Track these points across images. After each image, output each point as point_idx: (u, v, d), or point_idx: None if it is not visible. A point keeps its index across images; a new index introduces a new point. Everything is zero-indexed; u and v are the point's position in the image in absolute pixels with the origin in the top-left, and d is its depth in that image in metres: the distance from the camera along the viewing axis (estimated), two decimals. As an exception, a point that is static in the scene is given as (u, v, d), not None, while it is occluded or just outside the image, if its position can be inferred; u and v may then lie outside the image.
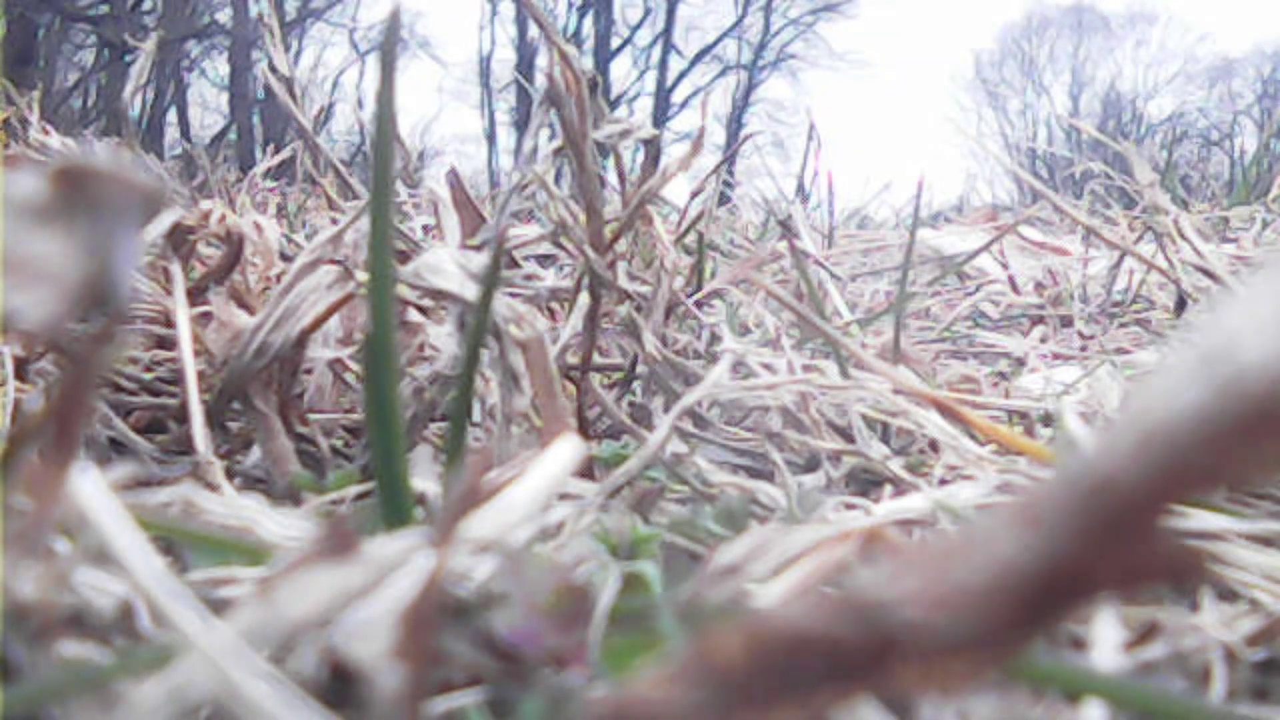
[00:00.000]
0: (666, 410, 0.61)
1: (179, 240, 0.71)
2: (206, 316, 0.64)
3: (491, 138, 15.75)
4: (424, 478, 0.38)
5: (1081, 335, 1.16)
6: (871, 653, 0.19)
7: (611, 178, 0.78)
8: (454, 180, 0.87)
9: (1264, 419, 0.16)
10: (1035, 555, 0.18)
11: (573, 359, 0.66)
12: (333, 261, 0.57)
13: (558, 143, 0.66)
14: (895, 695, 0.20)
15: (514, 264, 0.91)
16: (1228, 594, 0.36)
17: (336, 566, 0.24)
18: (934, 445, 0.57)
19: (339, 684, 0.24)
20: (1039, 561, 0.18)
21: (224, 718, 0.22)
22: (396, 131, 0.80)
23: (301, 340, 0.57)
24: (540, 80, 0.63)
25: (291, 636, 0.24)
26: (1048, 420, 0.64)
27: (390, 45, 0.35)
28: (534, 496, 0.31)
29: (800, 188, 2.16)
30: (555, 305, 0.83)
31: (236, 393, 0.55)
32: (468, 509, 0.27)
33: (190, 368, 0.53)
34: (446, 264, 0.53)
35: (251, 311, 0.65)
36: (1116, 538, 0.17)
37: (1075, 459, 0.18)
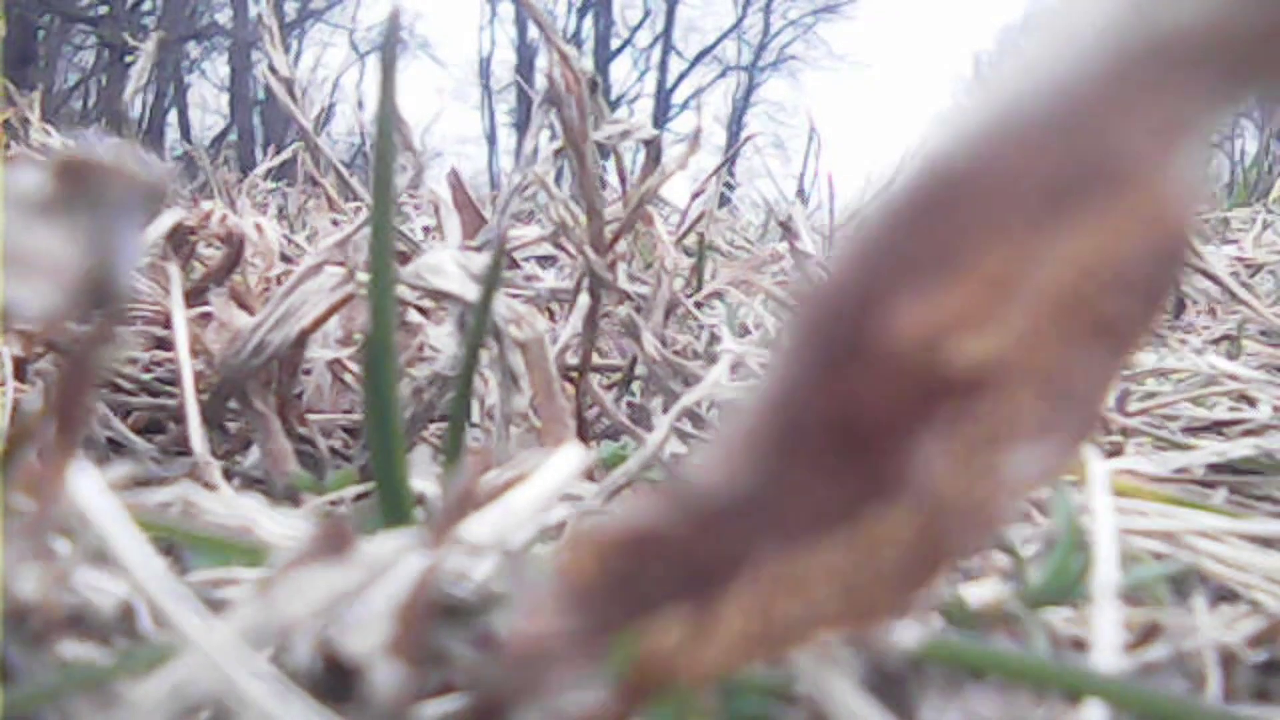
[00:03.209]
0: (665, 411, 0.61)
1: (179, 241, 0.71)
2: (206, 317, 0.64)
3: (492, 139, 15.75)
4: (423, 478, 0.38)
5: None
6: (698, 538, 0.18)
7: (612, 179, 0.78)
8: (454, 181, 0.87)
9: (949, 193, 0.15)
10: (781, 389, 0.17)
11: (572, 359, 0.66)
12: (340, 263, 0.57)
13: (558, 144, 0.66)
14: (819, 632, 0.19)
15: (514, 265, 0.91)
16: (1228, 595, 0.36)
17: (332, 566, 0.24)
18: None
19: (334, 680, 0.24)
20: (785, 393, 0.17)
21: (224, 717, 0.22)
22: (410, 141, 0.80)
23: (301, 340, 0.57)
24: (540, 81, 0.63)
25: (288, 635, 0.24)
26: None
27: (390, 46, 0.35)
28: (535, 502, 0.31)
29: (800, 189, 2.16)
30: (555, 306, 0.83)
31: (233, 391, 0.55)
32: (465, 508, 0.27)
33: (187, 368, 0.53)
34: (447, 264, 0.53)
35: (251, 312, 0.65)
36: (852, 350, 0.17)
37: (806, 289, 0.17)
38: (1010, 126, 0.15)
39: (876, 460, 0.17)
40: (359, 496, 0.47)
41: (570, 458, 0.34)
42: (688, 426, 0.60)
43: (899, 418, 0.17)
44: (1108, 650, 0.29)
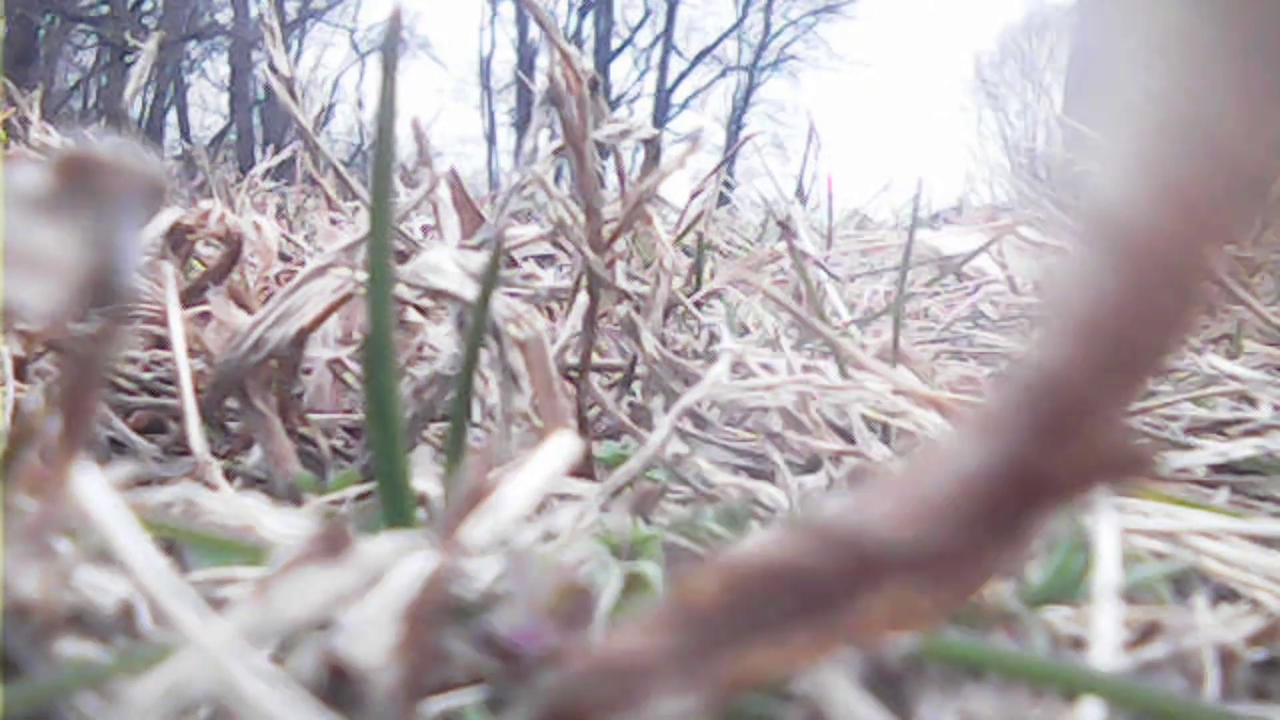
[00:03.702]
0: (666, 410, 0.61)
1: (178, 240, 0.71)
2: (206, 316, 0.64)
3: (491, 138, 15.75)
4: (424, 478, 0.38)
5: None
6: (845, 579, 0.19)
7: (611, 178, 0.78)
8: (453, 180, 0.87)
9: (1146, 263, 0.16)
10: (992, 460, 0.18)
11: (572, 359, 0.66)
12: (349, 266, 0.57)
13: (558, 143, 0.66)
14: (874, 637, 0.20)
15: (513, 264, 0.91)
16: (1228, 594, 0.36)
17: (332, 566, 0.24)
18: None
19: (337, 683, 0.24)
20: (996, 465, 0.17)
21: (222, 715, 0.22)
22: (428, 157, 0.80)
23: (300, 340, 0.57)
24: (540, 81, 0.63)
25: (288, 636, 0.24)
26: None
27: (391, 46, 0.35)
28: (530, 493, 0.31)
29: (799, 188, 2.16)
30: (554, 305, 0.83)
31: (231, 387, 0.55)
32: (471, 508, 0.27)
33: (184, 367, 0.53)
34: (446, 264, 0.53)
35: (250, 311, 0.65)
36: (1067, 433, 0.17)
37: (1023, 365, 0.18)
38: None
39: (1030, 528, 0.18)
40: (361, 496, 0.47)
41: (562, 447, 0.34)
42: (688, 426, 0.60)
43: (1073, 494, 0.18)
44: (1107, 648, 0.30)
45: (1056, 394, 0.17)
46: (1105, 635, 0.30)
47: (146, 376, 0.67)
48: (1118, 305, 0.16)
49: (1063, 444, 0.17)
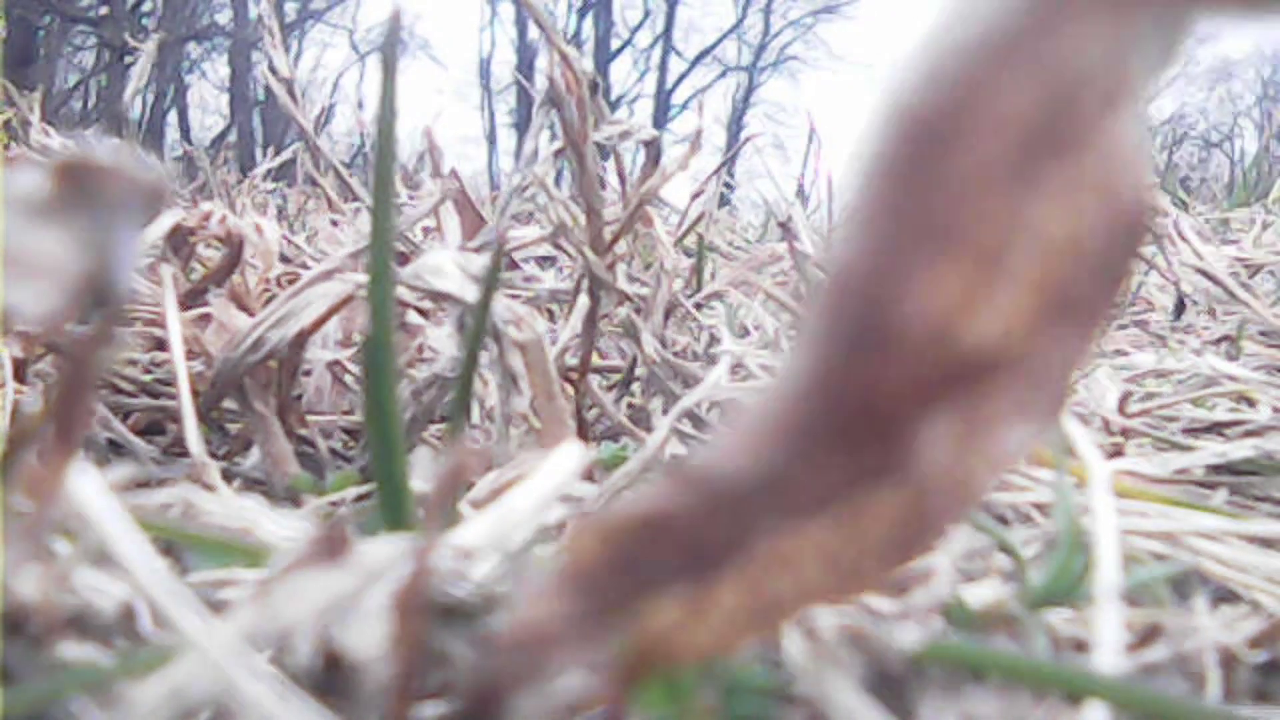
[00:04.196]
0: (665, 412, 0.61)
1: (179, 242, 0.71)
2: (206, 318, 0.64)
3: (492, 139, 15.75)
4: (423, 479, 0.38)
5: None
6: (710, 522, 0.18)
7: (611, 179, 0.78)
8: (454, 182, 0.87)
9: (927, 131, 0.15)
10: (807, 374, 0.17)
11: (572, 360, 0.66)
12: (353, 270, 0.57)
13: (558, 144, 0.66)
14: (805, 603, 0.19)
15: (514, 266, 0.91)
16: (1228, 596, 0.36)
17: (330, 569, 0.24)
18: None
19: (334, 678, 0.24)
20: (812, 379, 0.17)
21: (223, 717, 0.22)
22: (439, 165, 0.80)
23: (300, 341, 0.57)
24: (540, 82, 0.63)
25: (287, 638, 0.24)
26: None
27: (391, 47, 0.35)
28: (535, 502, 0.31)
29: (800, 189, 2.16)
30: (554, 307, 0.83)
31: (230, 386, 0.55)
32: (452, 494, 0.26)
33: (182, 369, 0.53)
34: (446, 265, 0.53)
35: (251, 313, 0.65)
36: (873, 331, 0.16)
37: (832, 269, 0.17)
38: (979, 65, 0.15)
39: (888, 443, 0.17)
40: (359, 498, 0.47)
41: (569, 456, 0.34)
42: (688, 427, 0.60)
43: (914, 399, 0.17)
44: (1108, 651, 0.29)
45: (863, 292, 0.16)
46: (1107, 637, 0.30)
47: (146, 378, 0.67)
48: (900, 176, 0.16)
49: (876, 344, 0.16)
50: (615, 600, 0.19)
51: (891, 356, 0.16)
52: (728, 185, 2.44)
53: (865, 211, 0.16)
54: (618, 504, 0.19)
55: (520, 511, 0.30)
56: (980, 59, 0.15)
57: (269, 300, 0.68)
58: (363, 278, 0.56)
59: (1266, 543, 0.39)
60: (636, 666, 0.20)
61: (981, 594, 0.33)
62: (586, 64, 0.64)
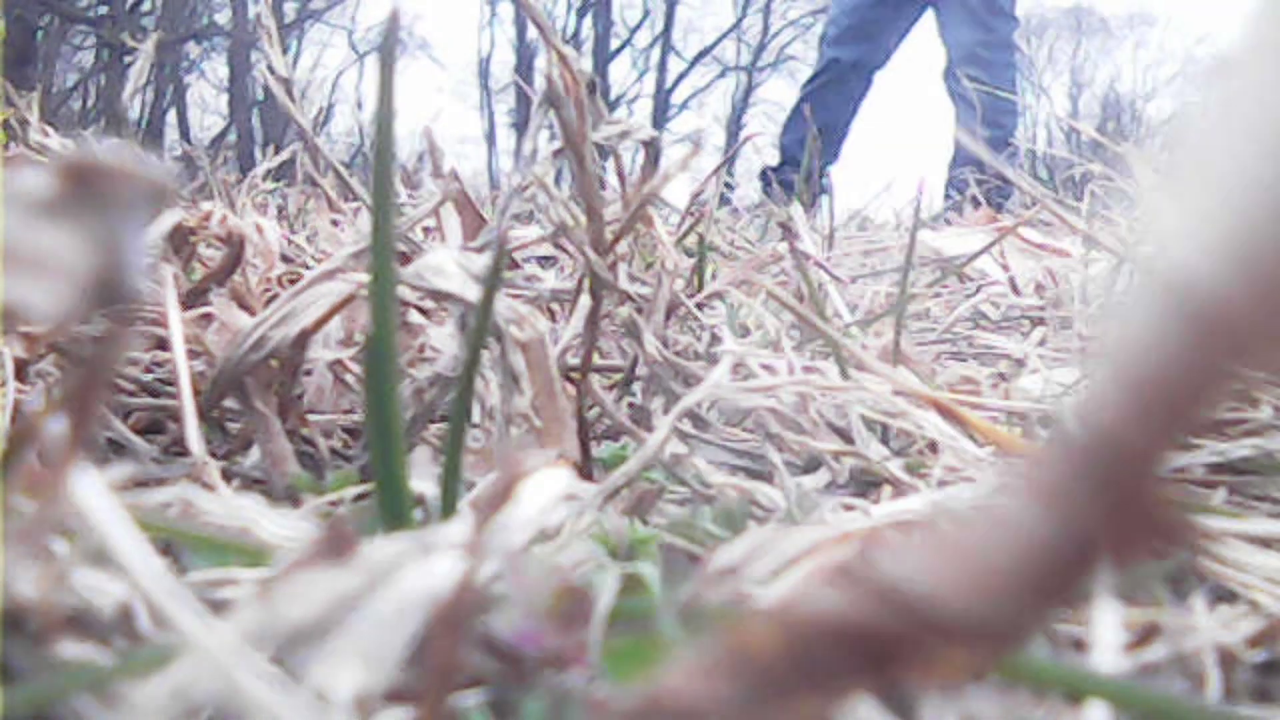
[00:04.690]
0: (666, 411, 0.61)
1: (180, 241, 0.71)
2: (208, 318, 0.64)
3: (491, 139, 15.75)
4: (423, 479, 0.38)
5: (1081, 336, 1.16)
6: (905, 640, 0.19)
7: (611, 179, 0.78)
8: (454, 181, 0.87)
9: (1219, 332, 0.16)
10: (1053, 524, 0.17)
11: (573, 360, 0.66)
12: (355, 270, 0.57)
13: (557, 144, 0.66)
14: (919, 686, 0.20)
15: (515, 265, 0.91)
16: (1227, 595, 0.36)
17: (335, 568, 0.24)
18: (933, 446, 0.57)
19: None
20: (1057, 530, 0.17)
21: (227, 718, 0.22)
22: (439, 165, 0.80)
23: (302, 341, 0.57)
24: (539, 82, 0.63)
25: (291, 639, 0.24)
26: (1047, 421, 0.64)
27: (389, 46, 0.35)
28: (521, 524, 0.31)
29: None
30: (556, 306, 0.83)
31: (231, 385, 0.55)
32: (497, 509, 0.26)
33: (184, 368, 0.53)
34: (448, 265, 0.53)
35: (253, 313, 0.65)
36: (1126, 500, 0.17)
37: (1071, 423, 0.17)
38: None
39: (1085, 582, 0.18)
40: (359, 497, 0.47)
41: (552, 482, 0.33)
42: (688, 427, 0.60)
43: (1124, 558, 0.18)
44: (1108, 650, 0.29)
45: (1116, 458, 0.17)
46: (1106, 636, 0.30)
47: (146, 378, 0.67)
48: (1182, 372, 0.16)
49: (1121, 511, 0.17)
50: (780, 692, 0.20)
51: (1125, 516, 0.17)
52: (728, 185, 2.44)
53: (1147, 388, 0.17)
54: (805, 600, 0.19)
55: (515, 522, 0.30)
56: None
57: (270, 300, 0.68)
58: (364, 277, 0.56)
59: (1266, 542, 0.39)
60: None
61: (981, 593, 0.33)
62: (585, 64, 0.64)
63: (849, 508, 0.45)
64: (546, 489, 0.32)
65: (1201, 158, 0.16)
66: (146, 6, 13.04)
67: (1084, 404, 0.17)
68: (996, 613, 0.18)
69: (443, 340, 0.66)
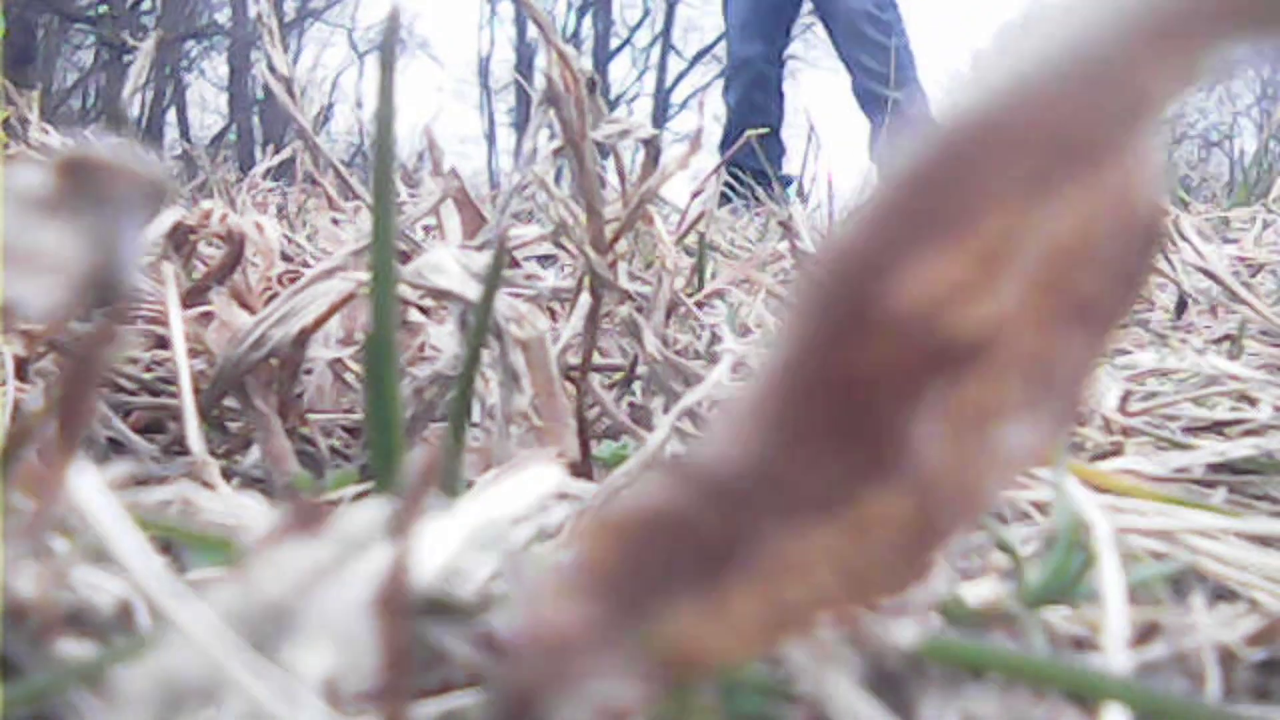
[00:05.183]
0: (666, 410, 0.61)
1: (180, 240, 0.71)
2: (208, 316, 0.64)
3: (491, 138, 15.75)
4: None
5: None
6: (715, 516, 0.18)
7: (611, 178, 0.78)
8: (454, 180, 0.87)
9: (967, 150, 0.15)
10: (790, 357, 0.17)
11: (573, 359, 0.66)
12: (355, 268, 0.57)
13: (557, 143, 0.66)
14: (824, 610, 0.19)
15: (515, 264, 0.91)
16: (1227, 594, 0.36)
17: (306, 543, 0.24)
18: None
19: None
20: (794, 363, 0.17)
21: (212, 703, 0.22)
22: (439, 163, 0.80)
23: (302, 339, 0.57)
24: (539, 81, 0.63)
25: (267, 616, 0.23)
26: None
27: (389, 45, 0.35)
28: (506, 515, 0.31)
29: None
30: (556, 305, 0.83)
31: (232, 384, 0.55)
32: (425, 487, 0.26)
33: (184, 367, 0.53)
34: (448, 263, 0.53)
35: (253, 311, 0.65)
36: (862, 315, 0.16)
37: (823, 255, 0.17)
38: (1018, 92, 0.15)
39: (876, 432, 0.17)
40: (359, 496, 0.47)
41: (540, 479, 0.33)
42: (689, 426, 0.60)
43: (899, 387, 0.17)
44: (1108, 649, 0.29)
45: (852, 277, 0.16)
46: (1114, 635, 0.30)
47: (147, 376, 0.67)
48: (924, 182, 0.16)
49: (864, 328, 0.16)
50: (633, 601, 0.19)
51: (872, 339, 0.16)
52: (728, 184, 2.44)
53: (874, 204, 0.16)
54: (624, 501, 0.19)
55: (497, 514, 0.30)
56: (1042, 78, 0.15)
57: (270, 298, 0.68)
58: (364, 276, 0.56)
59: (1265, 541, 0.39)
60: (664, 673, 0.20)
61: (980, 592, 0.33)
62: (585, 63, 0.64)
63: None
64: (536, 485, 0.32)
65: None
66: (146, 5, 13.04)
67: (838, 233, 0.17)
68: (753, 458, 0.17)
69: (443, 339, 0.66)
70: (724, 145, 3.86)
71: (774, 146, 3.81)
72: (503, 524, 0.30)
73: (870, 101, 3.64)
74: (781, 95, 4.12)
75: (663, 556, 0.19)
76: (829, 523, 0.18)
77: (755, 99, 3.95)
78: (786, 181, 2.73)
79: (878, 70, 3.60)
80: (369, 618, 0.23)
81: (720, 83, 4.38)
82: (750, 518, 0.18)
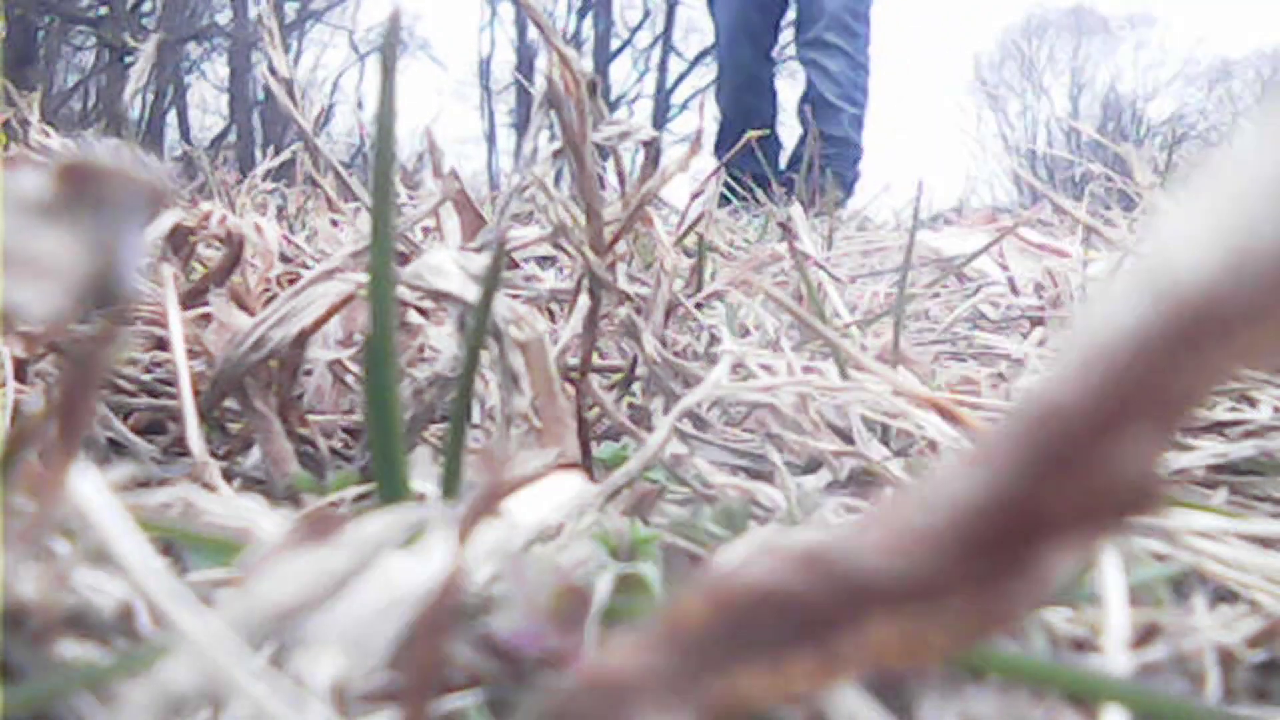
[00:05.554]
0: (666, 411, 0.61)
1: (179, 241, 0.71)
2: (207, 318, 0.64)
3: (491, 139, 15.76)
4: (424, 479, 0.38)
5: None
6: (834, 607, 0.18)
7: (611, 180, 0.78)
8: (454, 181, 0.87)
9: (1201, 326, 0.15)
10: (986, 491, 0.17)
11: (573, 360, 0.66)
12: (354, 270, 0.57)
13: (557, 145, 0.66)
14: (872, 666, 0.20)
15: (514, 265, 0.91)
16: (1228, 595, 0.36)
17: (318, 550, 0.24)
18: (934, 446, 0.57)
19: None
20: (990, 497, 0.17)
21: (218, 711, 0.22)
22: (439, 165, 0.80)
23: (301, 341, 0.57)
24: (540, 82, 0.63)
25: (276, 624, 0.24)
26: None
27: (390, 47, 0.35)
28: (532, 525, 0.31)
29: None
30: (555, 306, 0.83)
31: (231, 385, 0.55)
32: (486, 509, 0.26)
33: (184, 368, 0.53)
34: (447, 265, 0.53)
35: (252, 313, 0.65)
36: (1068, 468, 0.17)
37: (1026, 394, 0.17)
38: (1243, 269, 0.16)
39: (1029, 561, 0.18)
40: (359, 497, 0.47)
41: (566, 485, 0.33)
42: (688, 427, 0.60)
43: (1085, 532, 0.17)
44: (1109, 650, 0.30)
45: (1053, 422, 0.17)
46: (1114, 636, 0.30)
47: (146, 378, 0.67)
48: (1156, 356, 0.16)
49: (1062, 477, 0.17)
50: (709, 661, 0.19)
51: (1075, 488, 0.17)
52: (727, 185, 2.44)
53: (1103, 365, 0.16)
54: (734, 570, 0.19)
55: (519, 526, 0.30)
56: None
57: (270, 300, 0.68)
58: (363, 277, 0.56)
59: (1266, 542, 0.39)
60: (711, 717, 0.20)
61: (981, 593, 0.33)
62: (586, 64, 0.64)
63: (850, 508, 0.45)
64: (557, 493, 0.32)
65: (1219, 165, 0.16)
66: (147, 7, 13.04)
67: (1043, 378, 0.17)
68: (916, 572, 0.18)
69: (442, 340, 0.66)
70: (718, 148, 3.86)
71: (771, 145, 3.81)
72: (530, 531, 0.30)
73: (823, 109, 3.63)
74: (774, 94, 4.11)
75: (760, 628, 0.19)
76: (941, 615, 0.19)
77: (745, 101, 3.93)
78: (786, 182, 2.73)
79: (837, 79, 3.61)
80: (394, 624, 0.23)
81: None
82: (871, 607, 0.18)
